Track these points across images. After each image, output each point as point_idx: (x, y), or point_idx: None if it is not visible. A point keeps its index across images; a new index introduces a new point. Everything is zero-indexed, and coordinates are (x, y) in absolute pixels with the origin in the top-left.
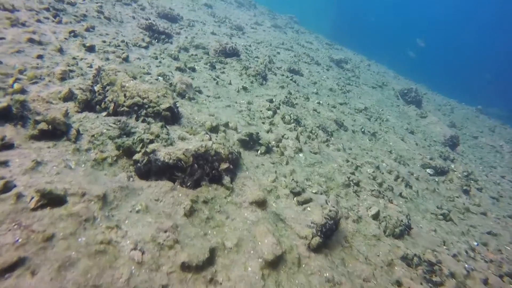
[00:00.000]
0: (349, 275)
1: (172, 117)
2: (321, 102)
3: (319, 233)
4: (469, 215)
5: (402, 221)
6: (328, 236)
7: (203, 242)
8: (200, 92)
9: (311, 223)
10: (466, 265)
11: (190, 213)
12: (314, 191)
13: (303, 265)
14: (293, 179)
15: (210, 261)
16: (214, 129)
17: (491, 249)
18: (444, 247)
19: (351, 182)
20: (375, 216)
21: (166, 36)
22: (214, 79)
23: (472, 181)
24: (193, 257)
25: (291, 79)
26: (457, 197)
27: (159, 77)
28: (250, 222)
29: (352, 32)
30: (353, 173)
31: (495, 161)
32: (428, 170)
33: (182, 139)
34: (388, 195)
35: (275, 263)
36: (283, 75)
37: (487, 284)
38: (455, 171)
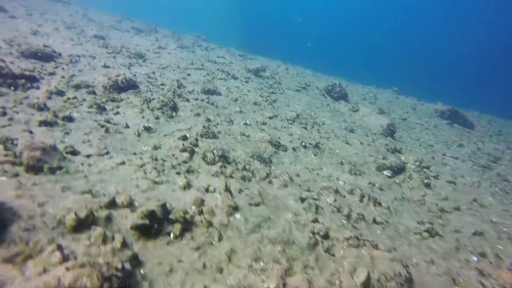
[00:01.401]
0: None
1: None
2: (248, 121)
3: None
4: (447, 217)
5: (400, 274)
6: None
7: None
8: (75, 153)
9: None
10: None
11: None
12: (271, 286)
13: None
14: (231, 274)
15: None
16: (83, 224)
17: (491, 258)
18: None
19: (317, 237)
20: (366, 284)
21: (28, 80)
22: (103, 126)
23: (426, 170)
24: None
25: (207, 102)
26: (424, 196)
27: None
28: None
29: (260, 38)
30: (315, 220)
31: (429, 139)
32: (386, 172)
33: None
34: (364, 234)
35: None
36: (197, 99)
37: None
38: (407, 162)
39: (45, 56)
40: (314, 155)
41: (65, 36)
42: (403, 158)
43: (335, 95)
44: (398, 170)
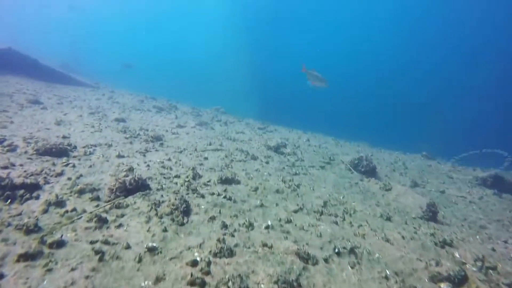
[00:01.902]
0: None
1: None
2: (270, 222)
3: None
4: None
5: None
6: None
7: None
8: None
9: None
10: None
11: None
12: None
13: None
14: None
15: None
16: None
17: None
18: None
19: None
20: None
21: (28, 189)
22: (98, 252)
23: (493, 272)
24: None
25: (224, 197)
26: None
27: None
28: None
29: (278, 105)
30: None
31: (478, 217)
32: (443, 286)
33: None
34: None
35: None
36: (213, 193)
37: None
38: (465, 263)
39: (59, 151)
40: (351, 267)
41: (87, 123)
42: (457, 254)
43: (363, 169)
44: (459, 280)
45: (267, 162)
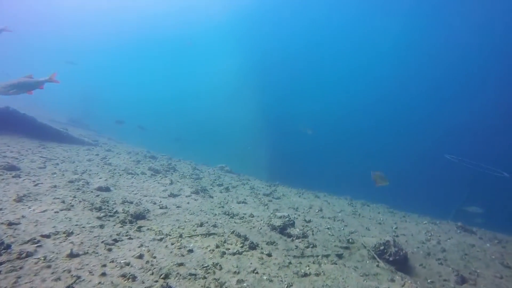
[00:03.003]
0: None
1: None
2: None
3: None
4: None
5: None
6: None
7: None
8: None
9: None
10: None
11: None
12: None
13: None
14: None
15: None
16: None
17: None
18: None
19: None
20: None
21: None
22: None
23: None
24: None
25: None
26: None
27: None
28: None
29: (287, 163)
30: None
31: None
32: None
33: None
34: None
35: None
36: None
37: None
38: None
39: None
40: None
41: (58, 196)
42: None
43: (391, 259)
44: None
45: (269, 255)
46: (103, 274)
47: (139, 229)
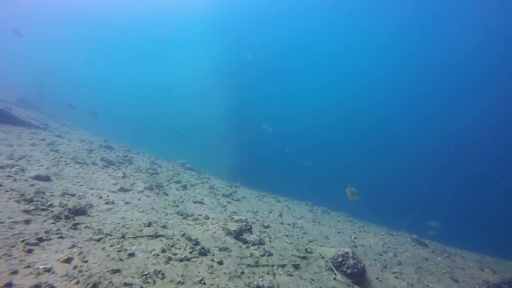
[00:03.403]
0: None
1: None
2: None
3: None
4: None
5: None
6: None
7: None
8: None
9: None
10: None
11: None
12: None
13: None
14: None
15: None
16: None
17: None
18: None
19: None
20: None
21: None
22: None
23: None
24: None
25: None
26: None
27: None
28: None
29: (252, 164)
30: None
31: None
32: None
33: None
34: None
35: None
36: None
37: None
38: None
39: None
40: None
41: None
42: None
43: (349, 272)
44: None
45: (220, 262)
46: (8, 285)
47: (74, 226)
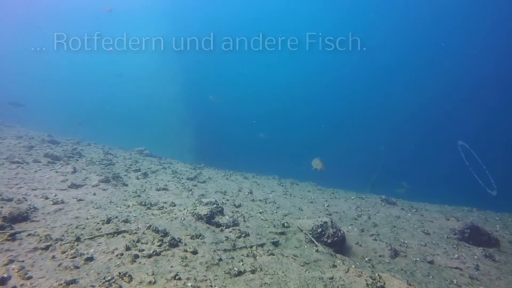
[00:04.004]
0: None
1: None
2: None
3: None
4: None
5: None
6: None
7: None
8: None
9: None
10: None
11: None
12: None
13: None
14: None
15: None
16: None
17: None
18: None
19: None
20: None
21: None
22: None
23: None
24: None
25: None
26: None
27: None
28: None
29: (216, 144)
30: None
31: None
32: None
33: None
34: None
35: None
36: None
37: None
38: None
39: None
40: None
41: None
42: None
43: (329, 241)
44: None
45: (194, 252)
46: None
47: (12, 237)
